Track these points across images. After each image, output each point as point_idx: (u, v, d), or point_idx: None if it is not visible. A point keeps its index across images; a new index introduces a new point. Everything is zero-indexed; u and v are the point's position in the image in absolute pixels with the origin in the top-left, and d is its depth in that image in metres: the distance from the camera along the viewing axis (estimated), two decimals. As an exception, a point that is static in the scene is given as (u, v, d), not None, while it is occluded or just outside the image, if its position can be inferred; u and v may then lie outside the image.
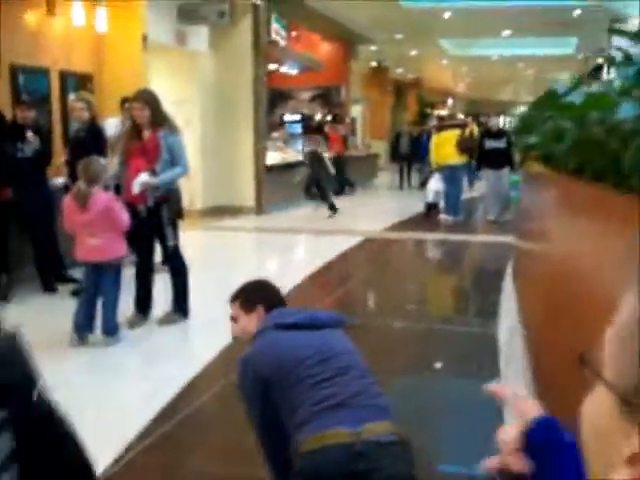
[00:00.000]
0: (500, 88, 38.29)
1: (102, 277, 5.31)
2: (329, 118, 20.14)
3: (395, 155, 19.63)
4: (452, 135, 12.54)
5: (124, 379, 4.76)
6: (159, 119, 5.64)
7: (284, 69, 16.73)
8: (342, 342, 2.64)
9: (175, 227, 5.79)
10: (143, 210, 5.63)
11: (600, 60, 8.03)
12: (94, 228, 5.16)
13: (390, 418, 2.41)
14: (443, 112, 36.98)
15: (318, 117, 20.86)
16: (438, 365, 5.15)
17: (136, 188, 5.46)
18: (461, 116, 31.39)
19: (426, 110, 31.38)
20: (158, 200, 5.63)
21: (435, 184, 12.77)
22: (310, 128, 20.07)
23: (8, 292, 6.75)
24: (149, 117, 5.59)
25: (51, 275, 7.09)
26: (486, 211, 12.51)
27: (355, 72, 22.08)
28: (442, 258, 9.91)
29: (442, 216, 12.54)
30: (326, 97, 21.06)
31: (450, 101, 39.55)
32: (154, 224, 5.69)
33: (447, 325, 5.98)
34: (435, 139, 12.82)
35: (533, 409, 0.97)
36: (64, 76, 9.23)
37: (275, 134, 16.50)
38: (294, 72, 17.56)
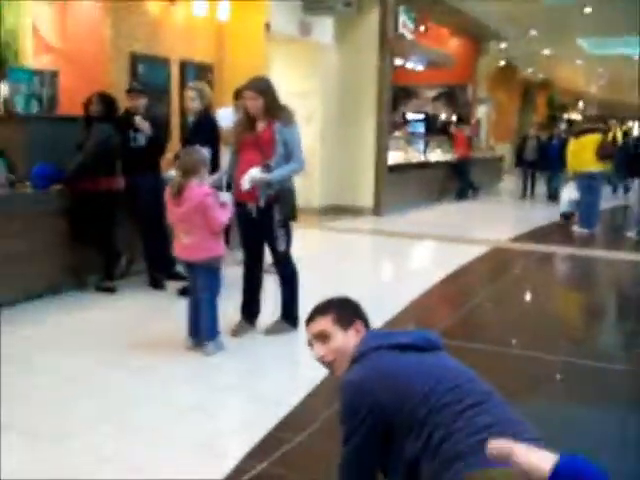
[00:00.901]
0: (637, 90, 36.19)
1: (197, 278, 4.92)
2: (454, 118, 19.32)
3: (520, 160, 17.73)
4: (592, 140, 11.40)
5: (219, 397, 4.25)
6: (274, 110, 5.14)
7: (410, 65, 16.06)
8: (460, 366, 2.26)
9: (287, 230, 5.29)
10: (253, 209, 5.17)
11: None
12: (188, 224, 4.76)
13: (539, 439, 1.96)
14: (574, 116, 35.44)
15: (443, 117, 20.08)
16: (582, 408, 4.43)
17: (246, 184, 4.99)
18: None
19: (556, 113, 30.05)
20: (270, 199, 5.15)
21: (570, 193, 11.85)
22: (434, 128, 19.39)
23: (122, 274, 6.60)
24: (263, 107, 5.10)
25: (159, 271, 6.79)
26: (627, 225, 11.42)
27: (482, 71, 21.16)
28: (577, 277, 8.93)
29: (575, 228, 11.58)
30: (451, 96, 20.28)
31: (581, 103, 37.84)
32: (265, 225, 5.20)
33: (588, 360, 5.19)
34: (572, 144, 11.76)
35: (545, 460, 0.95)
36: (184, 66, 8.96)
37: (397, 133, 15.87)
38: (420, 68, 16.86)
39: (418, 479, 2.05)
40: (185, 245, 4.81)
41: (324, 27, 11.97)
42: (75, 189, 6.33)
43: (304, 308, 5.29)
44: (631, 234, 10.87)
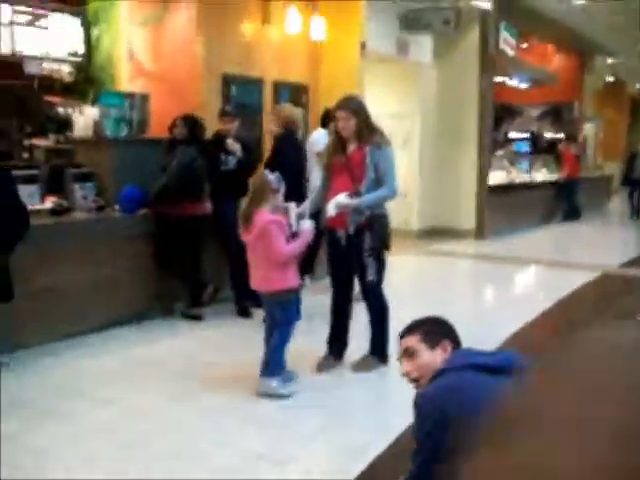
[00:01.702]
0: None
1: (266, 310, 4.65)
2: (561, 136, 18.55)
3: (627, 179, 16.77)
4: None
5: (291, 446, 3.85)
6: (366, 131, 4.85)
7: (513, 82, 15.50)
8: None
9: (379, 259, 4.94)
10: (342, 237, 4.88)
11: None
12: (253, 253, 4.51)
13: None
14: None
15: (548, 136, 19.33)
16: None
17: (331, 211, 4.71)
18: None
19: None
20: (360, 226, 4.84)
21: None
22: (539, 147, 18.71)
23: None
24: (355, 128, 4.83)
25: (246, 299, 6.57)
26: None
27: (588, 87, 20.29)
28: None
29: None
30: (556, 114, 19.51)
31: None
32: (354, 253, 4.89)
33: None
34: None
35: None
36: (278, 87, 8.80)
37: (500, 152, 15.31)
38: (524, 86, 16.27)
39: None
40: (253, 275, 4.56)
41: (422, 46, 11.63)
42: (159, 213, 6.19)
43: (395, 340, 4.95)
44: None
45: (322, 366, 4.99)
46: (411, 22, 10.74)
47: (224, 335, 5.94)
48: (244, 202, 4.60)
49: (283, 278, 4.46)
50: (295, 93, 9.07)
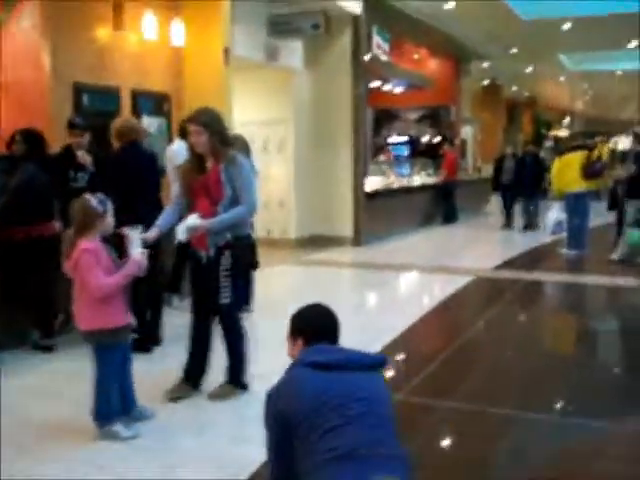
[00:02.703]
0: (622, 106, 35.80)
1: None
2: (438, 140, 18.74)
3: (497, 183, 15.02)
4: (576, 158, 10.77)
5: None
6: (220, 146, 4.47)
7: (388, 87, 15.48)
8: (370, 387, 2.49)
9: (235, 281, 4.58)
10: (204, 257, 4.54)
11: None
12: (74, 285, 3.99)
13: (399, 471, 2.29)
14: (562, 133, 34.99)
15: (427, 139, 19.49)
16: None
17: (180, 235, 4.34)
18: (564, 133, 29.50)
19: (542, 130, 29.60)
20: (220, 248, 4.49)
21: (556, 214, 11.24)
22: (418, 150, 18.84)
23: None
24: (208, 144, 4.44)
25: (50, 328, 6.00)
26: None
27: (465, 91, 20.63)
28: (573, 308, 8.11)
29: (564, 250, 10.98)
30: (434, 118, 19.71)
31: (567, 120, 37.54)
32: (211, 274, 4.52)
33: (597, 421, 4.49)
34: (557, 162, 11.17)
35: None
36: (137, 96, 8.32)
37: (381, 157, 15.27)
38: (399, 90, 16.29)
39: None
40: (74, 311, 4.05)
41: (293, 51, 11.39)
42: (1, 236, 5.64)
43: (268, 357, 4.59)
44: (614, 256, 10.10)
45: (174, 393, 4.59)
46: (280, 27, 10.48)
47: (73, 368, 5.42)
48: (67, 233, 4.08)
49: (99, 315, 3.89)
50: (157, 102, 8.63)
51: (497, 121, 26.70)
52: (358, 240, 11.93)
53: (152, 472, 3.58)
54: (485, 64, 21.29)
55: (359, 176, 12.00)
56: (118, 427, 3.98)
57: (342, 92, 11.87)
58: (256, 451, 3.29)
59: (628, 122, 37.50)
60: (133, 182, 5.62)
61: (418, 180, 15.59)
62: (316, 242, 11.73)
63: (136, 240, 4.07)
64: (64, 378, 5.19)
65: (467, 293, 8.33)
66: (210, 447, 3.93)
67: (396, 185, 14.15)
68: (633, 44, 17.82)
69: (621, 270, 9.26)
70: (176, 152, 6.62)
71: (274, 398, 2.48)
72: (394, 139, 19.26)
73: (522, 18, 14.92)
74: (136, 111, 8.25)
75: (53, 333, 5.93)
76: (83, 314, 3.97)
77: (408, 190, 14.36)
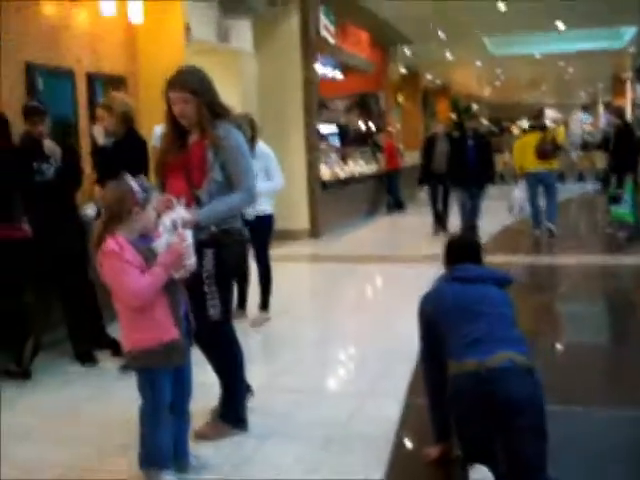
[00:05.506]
0: (529, 91, 36.39)
1: None
2: (371, 128, 18.24)
3: (426, 172, 11.76)
4: (531, 139, 11.07)
5: None
6: (211, 118, 3.58)
7: (329, 71, 14.84)
8: (497, 295, 3.24)
9: (225, 289, 3.67)
10: None
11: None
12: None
13: (515, 349, 2.95)
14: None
15: (357, 127, 18.94)
16: None
17: (163, 242, 3.12)
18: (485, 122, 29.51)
19: (462, 119, 29.62)
20: (201, 245, 3.43)
21: (520, 193, 11.05)
22: (349, 140, 18.27)
23: (30, 363, 4.92)
24: (198, 114, 3.56)
25: (86, 340, 5.25)
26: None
27: (389, 78, 20.14)
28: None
29: (536, 231, 11.02)
30: (363, 106, 19.17)
31: (475, 107, 37.87)
32: (192, 279, 3.32)
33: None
34: (518, 142, 11.80)
35: None
36: (91, 79, 7.40)
37: (322, 146, 14.64)
38: (339, 76, 15.71)
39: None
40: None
41: (242, 32, 10.58)
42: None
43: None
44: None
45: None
46: (232, 4, 9.66)
47: (55, 400, 4.52)
48: (98, 222, 3.17)
49: (139, 331, 3.11)
50: (112, 85, 7.69)
51: (415, 109, 26.40)
52: (316, 232, 11.29)
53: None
54: (407, 51, 20.87)
55: (313, 165, 11.36)
56: (169, 477, 3.18)
57: (291, 77, 11.22)
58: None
59: (532, 106, 38.28)
60: (141, 167, 4.88)
61: (359, 169, 15.06)
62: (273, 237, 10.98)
63: (178, 216, 3.19)
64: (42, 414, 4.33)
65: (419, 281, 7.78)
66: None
67: (343, 175, 13.58)
68: (561, 26, 17.72)
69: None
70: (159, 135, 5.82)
71: (423, 303, 3.36)
72: (326, 128, 18.62)
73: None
74: (90, 96, 7.34)
75: (25, 358, 4.99)
76: (124, 332, 3.19)
77: (356, 179, 13.86)
